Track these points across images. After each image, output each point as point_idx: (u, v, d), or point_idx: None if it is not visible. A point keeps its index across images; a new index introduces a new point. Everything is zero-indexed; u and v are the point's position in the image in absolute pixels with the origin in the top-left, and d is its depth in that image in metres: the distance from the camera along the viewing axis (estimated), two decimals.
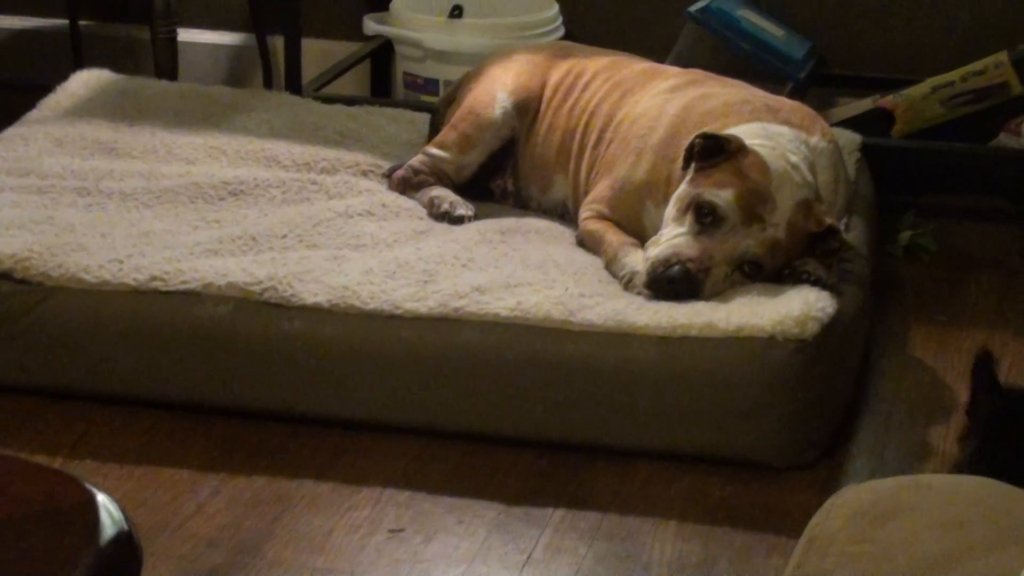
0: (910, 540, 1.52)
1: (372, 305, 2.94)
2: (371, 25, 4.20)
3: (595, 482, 2.81)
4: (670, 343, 2.85)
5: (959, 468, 2.58)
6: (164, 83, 3.96)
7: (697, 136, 3.01)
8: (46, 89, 3.85)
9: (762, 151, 2.99)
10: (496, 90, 3.45)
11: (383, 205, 3.35)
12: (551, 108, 3.43)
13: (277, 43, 4.24)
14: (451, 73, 3.90)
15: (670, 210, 3.02)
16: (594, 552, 2.62)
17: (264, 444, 2.90)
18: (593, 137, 3.34)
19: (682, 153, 3.04)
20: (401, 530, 2.66)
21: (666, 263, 2.94)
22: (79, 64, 4.21)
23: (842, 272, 3.05)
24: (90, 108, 3.77)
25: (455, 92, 3.57)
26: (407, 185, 3.44)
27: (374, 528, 2.66)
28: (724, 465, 2.85)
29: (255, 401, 2.97)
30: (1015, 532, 1.47)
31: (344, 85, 4.22)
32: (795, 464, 2.85)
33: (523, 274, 3.03)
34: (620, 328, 2.87)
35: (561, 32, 4.18)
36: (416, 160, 3.47)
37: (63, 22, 4.44)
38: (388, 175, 3.49)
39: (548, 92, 3.45)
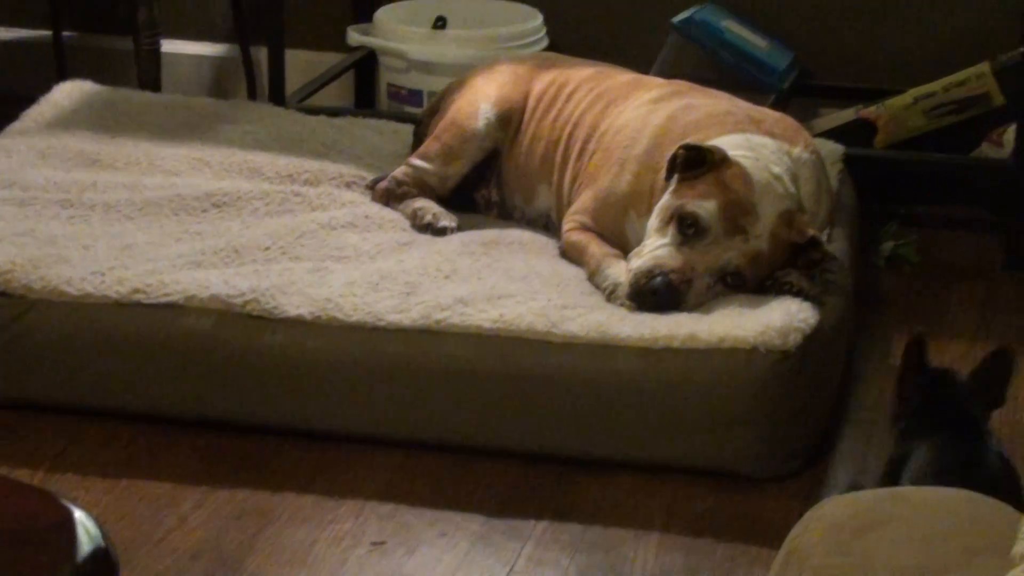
0: (888, 553, 1.53)
1: (355, 317, 2.94)
2: (355, 36, 4.20)
3: (577, 494, 2.81)
4: (653, 354, 2.85)
5: (893, 454, 2.62)
6: (147, 94, 3.96)
7: (680, 147, 3.01)
8: (29, 100, 3.85)
9: (745, 162, 2.99)
10: (479, 102, 3.45)
11: (366, 217, 3.35)
12: (534, 119, 3.43)
13: (261, 54, 4.24)
14: (435, 84, 3.91)
15: (653, 221, 3.02)
16: (576, 564, 2.62)
17: (246, 457, 2.90)
18: (576, 148, 3.34)
19: (665, 164, 3.04)
20: (383, 543, 2.66)
21: (649, 274, 2.94)
22: (62, 75, 4.21)
23: (824, 283, 3.05)
24: (73, 119, 3.76)
25: (439, 103, 3.58)
26: (390, 196, 3.44)
27: (356, 541, 2.66)
28: (706, 476, 2.85)
29: (237, 414, 2.96)
30: (991, 544, 1.48)
31: (328, 96, 4.22)
32: (777, 475, 2.86)
33: (506, 286, 3.04)
34: (603, 340, 2.87)
35: (545, 43, 4.18)
36: (399, 171, 3.47)
37: (46, 33, 4.44)
38: (371, 186, 3.49)
39: (531, 103, 3.45)
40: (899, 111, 3.90)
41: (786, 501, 2.78)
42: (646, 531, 2.70)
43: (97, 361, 2.99)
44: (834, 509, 1.64)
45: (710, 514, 2.76)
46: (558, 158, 3.38)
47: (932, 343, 3.34)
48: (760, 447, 2.84)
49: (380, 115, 3.98)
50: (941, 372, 2.64)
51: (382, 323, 2.93)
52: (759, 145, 3.06)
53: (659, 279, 2.93)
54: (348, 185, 3.50)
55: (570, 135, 3.37)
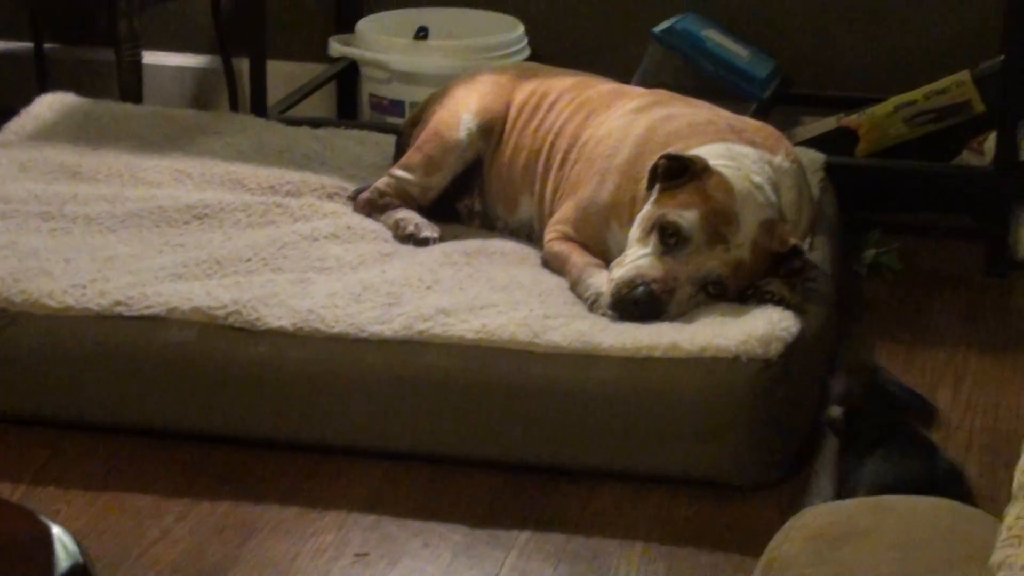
0: (868, 562, 1.53)
1: (337, 328, 2.94)
2: (337, 47, 4.20)
3: (560, 504, 2.81)
4: (635, 364, 2.85)
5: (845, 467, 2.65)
6: (129, 106, 3.95)
7: (661, 157, 3.02)
8: (10, 112, 3.84)
9: (726, 171, 3.00)
10: (461, 112, 3.45)
11: (348, 228, 3.35)
12: (516, 129, 3.44)
13: (243, 65, 4.24)
14: (417, 94, 3.91)
15: (634, 231, 3.03)
16: (560, 574, 2.62)
17: (229, 469, 2.89)
18: (558, 158, 3.35)
19: (646, 174, 3.05)
20: (366, 554, 2.66)
21: (630, 284, 2.95)
22: (43, 87, 4.21)
23: (806, 291, 3.06)
24: (54, 132, 3.76)
25: (420, 113, 3.58)
26: (372, 207, 3.44)
27: (339, 552, 2.66)
28: (689, 485, 2.85)
29: (220, 426, 2.96)
30: (971, 553, 1.48)
31: (310, 107, 4.22)
32: (760, 484, 2.86)
33: (488, 296, 3.04)
34: (585, 349, 2.87)
35: (527, 53, 4.19)
36: (381, 182, 3.47)
37: (27, 45, 4.44)
38: (353, 197, 3.49)
39: (513, 112, 3.45)
40: (880, 119, 3.91)
41: (769, 510, 2.78)
42: (629, 540, 2.70)
43: (79, 374, 2.98)
44: (815, 518, 1.64)
45: (693, 523, 2.76)
46: (540, 168, 3.38)
47: (915, 351, 3.38)
48: (742, 456, 2.85)
49: (362, 126, 3.98)
50: (875, 378, 2.67)
51: (364, 334, 2.93)
52: (740, 154, 3.07)
53: (641, 289, 2.93)
54: (330, 196, 3.50)
55: (552, 145, 3.37)
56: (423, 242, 3.32)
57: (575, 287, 3.10)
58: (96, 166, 3.58)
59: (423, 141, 3.47)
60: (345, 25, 4.31)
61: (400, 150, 3.58)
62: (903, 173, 3.86)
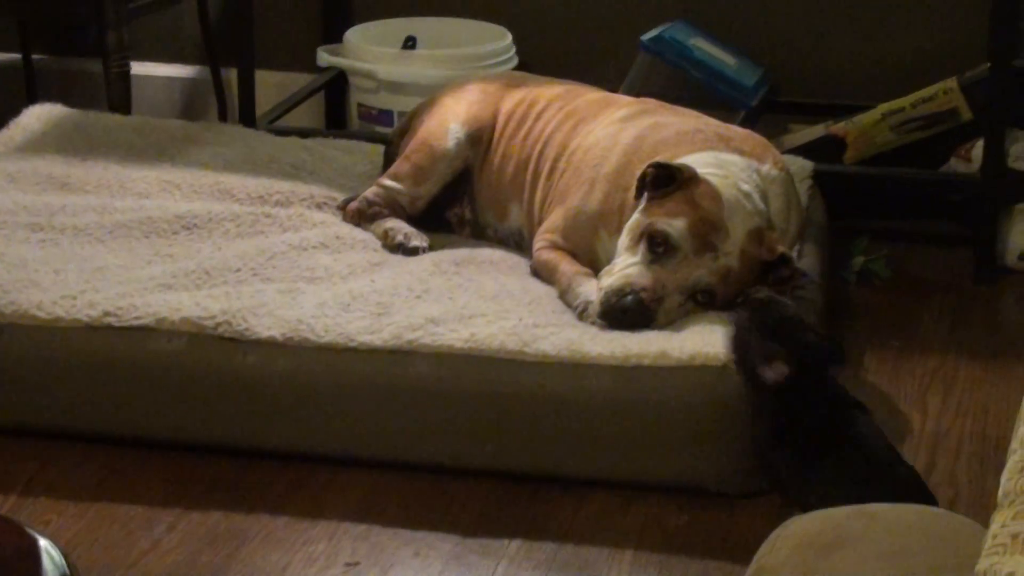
0: (855, 570, 1.53)
1: (326, 338, 2.94)
2: (325, 57, 4.21)
3: (551, 512, 2.81)
4: (624, 372, 2.86)
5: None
6: (118, 117, 3.96)
7: (649, 166, 3.02)
8: None
9: (714, 180, 3.00)
10: (449, 121, 3.46)
11: (337, 237, 3.35)
12: (504, 137, 3.44)
13: (231, 76, 4.24)
14: (405, 104, 3.91)
15: (623, 240, 3.03)
16: None
17: (219, 479, 2.89)
18: (547, 167, 3.35)
19: (635, 182, 3.05)
20: (357, 563, 2.66)
21: (619, 293, 2.95)
22: (32, 98, 4.21)
23: (795, 299, 3.06)
24: (43, 143, 3.76)
25: (409, 123, 3.58)
26: (361, 217, 3.45)
27: (330, 562, 2.66)
28: (679, 493, 2.85)
29: (210, 436, 2.96)
30: (957, 561, 1.48)
31: (298, 117, 4.23)
32: (750, 492, 2.86)
33: (477, 305, 3.04)
34: (574, 358, 2.88)
35: (515, 62, 4.19)
36: (370, 192, 3.47)
37: (16, 56, 4.44)
38: (342, 207, 3.50)
39: (501, 121, 3.46)
40: (868, 127, 3.92)
41: (759, 517, 2.78)
42: (619, 549, 2.71)
43: (69, 384, 2.98)
44: (802, 527, 1.65)
45: (683, 531, 2.76)
46: (528, 177, 3.38)
47: (904, 357, 3.38)
48: (732, 464, 2.85)
49: (351, 135, 3.99)
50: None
51: (353, 344, 2.93)
52: (728, 163, 3.07)
53: (630, 297, 2.94)
54: (319, 206, 3.50)
55: (540, 154, 3.37)
56: (412, 251, 3.33)
57: (564, 296, 3.11)
58: (85, 177, 3.59)
59: (411, 151, 3.48)
60: (333, 35, 4.32)
61: (389, 160, 3.58)
62: (891, 180, 3.88)
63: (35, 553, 1.50)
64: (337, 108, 4.38)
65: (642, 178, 3.03)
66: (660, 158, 3.06)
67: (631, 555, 2.69)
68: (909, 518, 1.63)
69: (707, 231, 2.95)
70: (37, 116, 3.89)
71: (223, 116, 4.41)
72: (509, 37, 4.22)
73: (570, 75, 3.69)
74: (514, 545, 2.71)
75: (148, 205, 3.46)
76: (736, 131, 3.25)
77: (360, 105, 4.18)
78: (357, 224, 3.44)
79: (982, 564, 1.27)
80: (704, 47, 4.05)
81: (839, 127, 3.95)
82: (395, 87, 4.09)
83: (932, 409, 3.17)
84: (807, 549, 1.59)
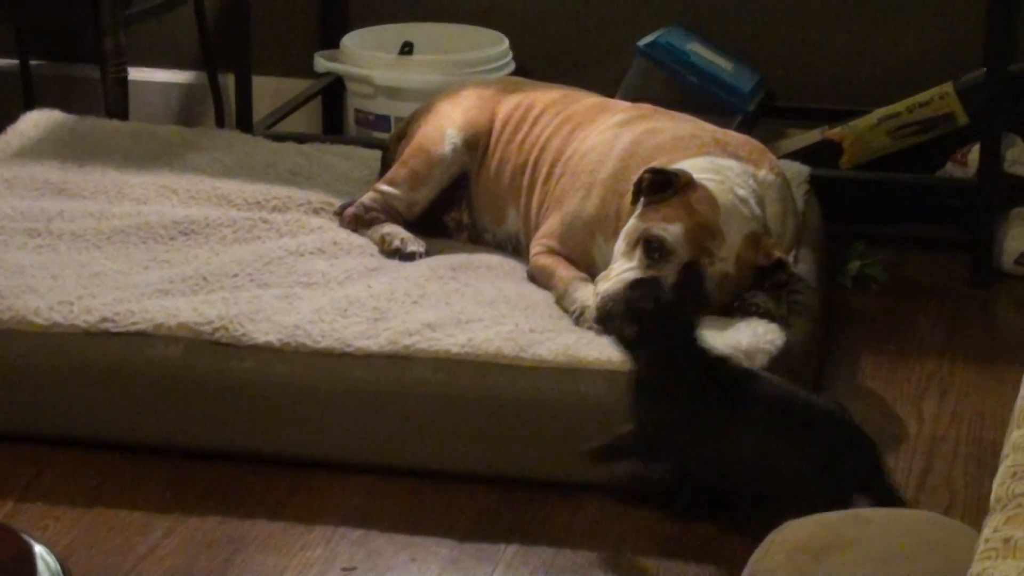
0: (849, 574, 1.54)
1: (323, 343, 2.94)
2: (322, 62, 4.21)
3: (547, 517, 2.81)
4: (620, 377, 2.85)
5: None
6: (115, 123, 3.96)
7: (645, 171, 3.03)
8: None
9: (710, 185, 3.01)
10: (445, 127, 3.46)
11: (334, 243, 3.35)
12: (501, 142, 3.44)
13: (228, 81, 4.25)
14: (402, 109, 3.92)
15: (619, 245, 3.04)
16: None
17: (216, 484, 2.90)
18: (543, 172, 3.36)
19: (631, 188, 3.06)
20: (354, 568, 2.66)
21: (616, 298, 2.95)
22: (29, 104, 4.21)
23: (791, 304, 3.07)
24: (40, 149, 3.76)
25: (405, 128, 3.59)
26: (358, 222, 3.45)
27: (327, 567, 2.66)
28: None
29: (207, 441, 2.96)
30: (951, 565, 1.49)
31: (295, 122, 4.23)
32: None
33: (474, 310, 3.04)
34: (571, 363, 2.88)
35: (511, 68, 4.20)
36: (367, 197, 3.48)
37: (13, 62, 4.44)
38: (339, 212, 3.50)
39: (498, 126, 3.46)
40: (864, 132, 3.93)
41: (753, 522, 2.78)
42: (616, 553, 2.71)
43: (66, 390, 2.98)
44: (795, 531, 1.65)
45: (679, 536, 2.76)
46: (525, 182, 3.39)
47: (901, 362, 3.39)
48: None
49: (348, 141, 3.99)
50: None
51: (350, 349, 2.94)
52: (724, 168, 3.08)
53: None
54: (316, 211, 3.51)
55: (537, 159, 3.38)
56: (409, 257, 3.33)
57: (561, 301, 3.11)
58: (82, 183, 3.59)
59: (408, 156, 3.48)
60: (330, 41, 4.32)
61: (386, 165, 3.59)
62: (887, 185, 3.88)
63: (30, 559, 1.50)
64: (334, 113, 4.38)
65: (638, 183, 3.03)
66: (656, 163, 3.06)
67: (628, 560, 2.69)
68: (903, 522, 1.63)
69: (703, 236, 2.96)
70: (34, 122, 3.89)
71: (220, 122, 4.42)
72: (506, 42, 4.23)
73: (567, 80, 3.70)
74: (511, 550, 2.72)
75: (145, 211, 3.46)
76: (732, 136, 3.26)
77: (357, 110, 4.18)
78: (354, 229, 3.44)
79: (975, 568, 1.28)
80: (700, 52, 4.05)
81: (835, 132, 3.96)
82: (392, 92, 4.10)
83: (928, 413, 3.17)
84: (801, 554, 1.59)
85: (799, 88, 4.19)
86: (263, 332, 2.96)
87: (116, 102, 4.07)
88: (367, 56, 4.15)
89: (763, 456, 2.62)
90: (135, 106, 4.22)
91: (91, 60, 4.26)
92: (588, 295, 3.05)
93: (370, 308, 3.04)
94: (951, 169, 3.92)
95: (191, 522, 2.78)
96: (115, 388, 2.97)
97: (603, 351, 2.88)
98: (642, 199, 3.03)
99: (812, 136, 4.01)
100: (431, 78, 4.05)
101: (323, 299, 3.08)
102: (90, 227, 3.38)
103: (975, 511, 2.77)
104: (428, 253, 3.35)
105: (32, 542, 1.53)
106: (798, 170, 3.65)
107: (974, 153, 3.82)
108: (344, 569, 2.66)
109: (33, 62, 4.46)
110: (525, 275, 3.26)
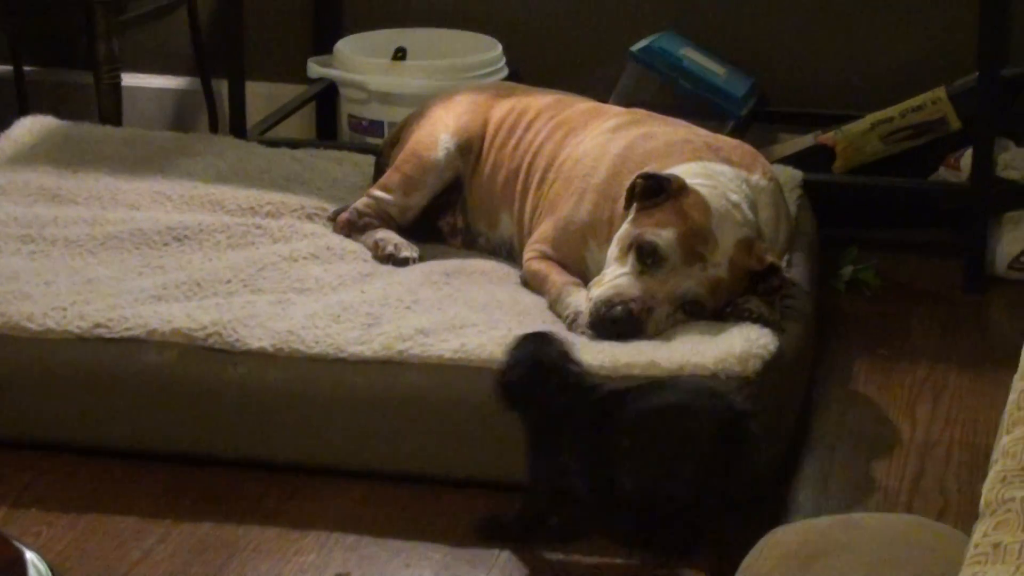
0: None
1: (317, 349, 2.95)
2: (315, 68, 4.21)
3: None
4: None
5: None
6: (108, 128, 3.96)
7: (638, 176, 3.03)
8: None
9: (703, 190, 3.01)
10: (439, 132, 3.47)
11: (328, 248, 3.36)
12: (494, 147, 3.45)
13: (222, 87, 4.25)
14: (395, 115, 3.92)
15: (612, 250, 3.04)
16: None
17: (210, 490, 2.90)
18: (537, 177, 3.36)
19: (624, 193, 3.06)
20: (348, 574, 2.66)
21: (608, 303, 2.96)
22: (23, 110, 4.21)
23: (785, 308, 3.07)
24: (34, 154, 3.76)
25: (399, 133, 3.59)
26: (352, 228, 3.45)
27: (321, 573, 2.66)
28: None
29: (201, 447, 2.97)
30: (942, 570, 1.49)
31: (289, 128, 4.23)
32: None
33: (467, 315, 3.05)
34: None
35: (505, 73, 4.20)
36: (361, 202, 3.48)
37: (7, 68, 4.44)
38: (333, 218, 3.50)
39: (491, 130, 3.46)
40: (857, 136, 3.93)
41: (745, 528, 2.78)
42: (609, 557, 2.71)
43: (59, 396, 2.99)
44: (787, 536, 1.65)
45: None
46: (518, 187, 3.39)
47: (894, 367, 3.39)
48: None
49: (341, 146, 3.99)
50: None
51: (344, 354, 2.94)
52: (717, 173, 3.08)
53: (619, 308, 2.94)
54: (310, 217, 3.51)
55: (530, 164, 3.38)
56: (402, 262, 3.33)
57: (554, 306, 3.11)
58: (76, 189, 3.59)
59: (401, 161, 3.49)
60: (323, 46, 4.33)
61: (379, 170, 3.59)
62: (880, 190, 3.88)
63: (21, 565, 1.50)
64: (328, 119, 4.38)
65: (631, 188, 3.03)
66: (649, 168, 3.07)
67: (622, 565, 2.69)
68: (894, 527, 1.63)
69: (696, 242, 2.96)
70: (28, 128, 3.89)
71: (214, 127, 4.42)
72: (499, 48, 4.23)
73: (560, 85, 3.70)
74: (504, 556, 2.72)
75: (139, 217, 3.46)
76: (725, 141, 3.26)
77: (351, 116, 4.19)
78: (348, 235, 3.44)
79: (964, 574, 1.28)
80: (693, 57, 4.06)
81: (828, 137, 3.96)
82: (385, 98, 4.10)
83: (921, 418, 3.17)
84: (792, 559, 1.59)
85: (792, 93, 4.19)
86: (257, 338, 2.96)
87: (110, 108, 4.08)
88: (360, 61, 4.16)
89: (644, 480, 2.57)
90: (129, 112, 4.22)
91: (85, 66, 4.26)
92: (581, 300, 3.05)
93: (363, 314, 3.05)
94: (944, 174, 3.92)
95: (185, 528, 2.78)
96: (109, 394, 2.97)
97: (596, 356, 2.88)
98: (635, 204, 3.03)
99: (805, 141, 4.01)
100: (424, 83, 4.05)
101: (317, 305, 3.08)
102: (84, 233, 3.38)
103: (968, 516, 2.77)
104: (421, 258, 3.36)
105: (23, 548, 1.52)
106: (791, 175, 3.65)
107: (967, 157, 3.83)
108: (338, 574, 2.66)
109: (27, 68, 4.46)
110: (518, 280, 3.27)
